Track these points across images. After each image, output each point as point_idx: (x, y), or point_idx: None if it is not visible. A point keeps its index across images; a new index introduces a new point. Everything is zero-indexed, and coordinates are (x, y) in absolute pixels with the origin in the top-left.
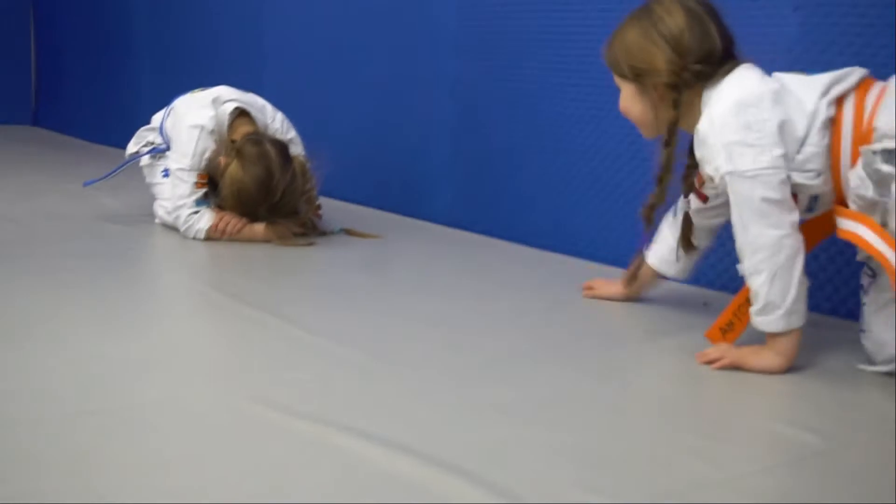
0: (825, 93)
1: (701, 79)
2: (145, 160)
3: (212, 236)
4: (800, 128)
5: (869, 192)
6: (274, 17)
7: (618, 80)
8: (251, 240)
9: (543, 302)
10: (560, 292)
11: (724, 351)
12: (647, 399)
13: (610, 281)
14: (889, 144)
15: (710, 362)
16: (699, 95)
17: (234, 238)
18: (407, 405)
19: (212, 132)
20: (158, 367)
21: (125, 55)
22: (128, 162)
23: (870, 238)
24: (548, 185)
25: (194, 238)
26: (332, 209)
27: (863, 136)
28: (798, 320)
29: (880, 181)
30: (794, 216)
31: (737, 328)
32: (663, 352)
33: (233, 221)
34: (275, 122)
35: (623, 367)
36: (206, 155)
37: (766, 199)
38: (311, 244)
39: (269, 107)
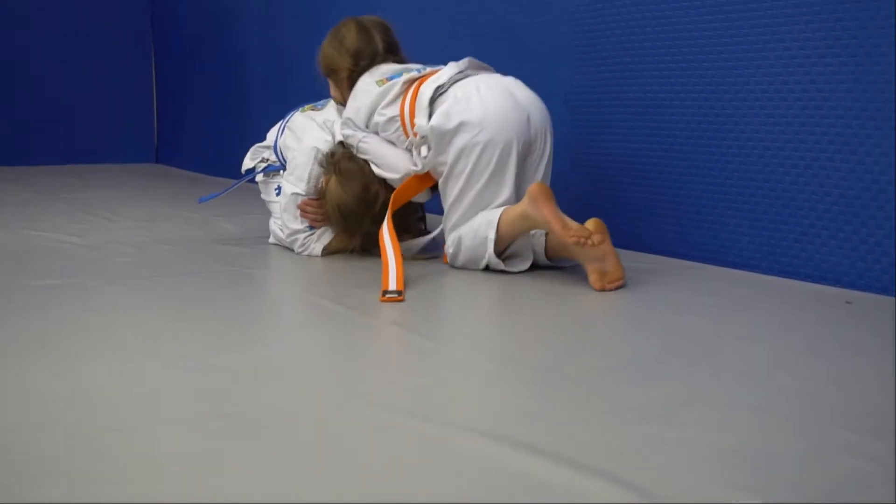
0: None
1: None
2: (260, 177)
3: (330, 251)
4: (361, 120)
5: (419, 165)
6: None
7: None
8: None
9: (672, 305)
10: (686, 296)
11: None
12: (791, 398)
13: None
14: (421, 133)
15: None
16: None
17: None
18: (534, 407)
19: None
20: (278, 374)
21: (241, 91)
22: (242, 179)
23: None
24: (667, 194)
25: (310, 255)
26: None
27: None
28: None
29: (423, 158)
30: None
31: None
32: (803, 351)
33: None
34: None
35: (762, 367)
36: (321, 179)
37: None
38: (433, 257)
39: None
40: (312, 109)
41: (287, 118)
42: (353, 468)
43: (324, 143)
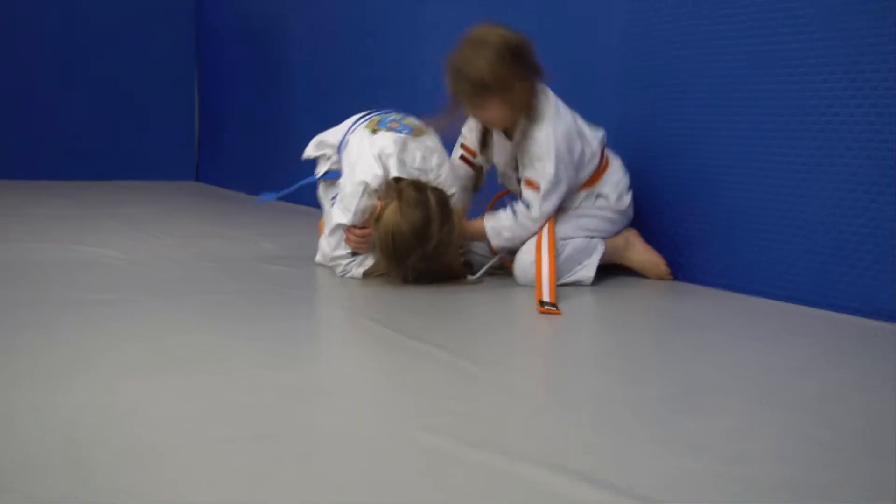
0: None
1: None
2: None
3: (370, 274)
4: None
5: None
6: (433, 64)
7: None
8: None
9: (723, 337)
10: (739, 328)
11: None
12: (847, 430)
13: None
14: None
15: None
16: None
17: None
18: (585, 435)
19: (375, 191)
20: (325, 395)
21: (282, 111)
22: (301, 183)
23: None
24: (716, 223)
25: (352, 277)
26: None
27: None
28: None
29: None
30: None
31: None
32: (858, 386)
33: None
34: (439, 177)
35: (817, 400)
36: (368, 213)
37: None
38: (478, 282)
39: (435, 158)
40: (375, 129)
41: (354, 123)
42: (402, 493)
43: (373, 177)
